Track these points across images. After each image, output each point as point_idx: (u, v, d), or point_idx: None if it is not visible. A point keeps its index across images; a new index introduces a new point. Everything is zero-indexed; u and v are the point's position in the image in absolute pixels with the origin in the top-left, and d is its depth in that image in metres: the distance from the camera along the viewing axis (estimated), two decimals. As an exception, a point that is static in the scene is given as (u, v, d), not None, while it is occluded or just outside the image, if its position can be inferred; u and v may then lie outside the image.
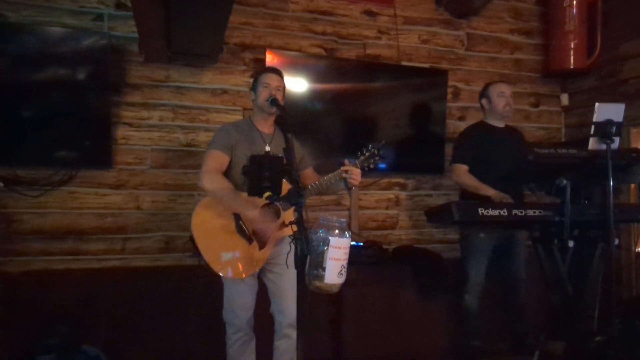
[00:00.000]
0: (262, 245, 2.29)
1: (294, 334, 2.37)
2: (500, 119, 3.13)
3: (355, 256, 3.24)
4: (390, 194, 3.82)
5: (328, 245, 1.87)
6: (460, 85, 4.02)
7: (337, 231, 1.89)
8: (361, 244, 3.41)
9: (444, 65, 3.96)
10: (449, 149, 3.87)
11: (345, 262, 1.92)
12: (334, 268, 1.88)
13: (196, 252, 2.28)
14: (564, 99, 4.24)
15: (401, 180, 3.85)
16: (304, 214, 1.94)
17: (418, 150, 3.80)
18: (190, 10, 2.36)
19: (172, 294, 2.97)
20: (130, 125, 3.23)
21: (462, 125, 3.97)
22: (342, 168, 2.35)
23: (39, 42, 2.97)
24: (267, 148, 2.41)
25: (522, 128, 3.38)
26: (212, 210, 2.27)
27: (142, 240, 3.23)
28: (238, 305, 2.36)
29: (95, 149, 3.10)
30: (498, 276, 3.15)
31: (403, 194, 3.85)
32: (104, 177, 3.17)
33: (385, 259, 3.42)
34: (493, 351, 3.13)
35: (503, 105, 3.08)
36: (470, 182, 3.03)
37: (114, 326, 2.83)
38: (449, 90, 3.92)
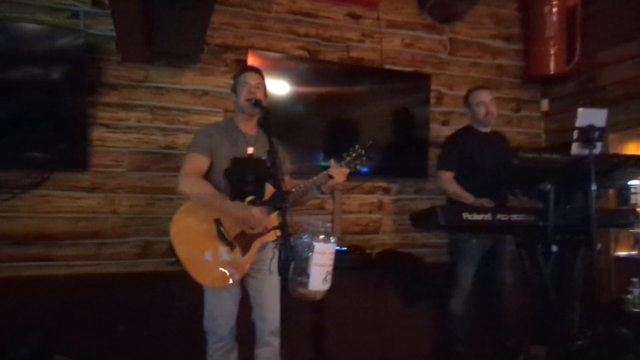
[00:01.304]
0: (245, 250, 2.22)
1: (275, 341, 2.31)
2: (485, 125, 3.14)
3: (338, 261, 3.21)
4: (374, 198, 3.79)
5: (313, 251, 1.83)
6: (443, 89, 4.02)
7: (322, 236, 1.86)
8: (344, 248, 3.36)
9: (427, 69, 3.96)
10: (432, 153, 3.88)
11: (330, 268, 1.88)
12: (319, 274, 1.83)
13: (176, 260, 2.20)
14: (544, 104, 4.29)
15: (384, 185, 3.82)
16: (287, 218, 1.87)
17: (401, 154, 3.78)
18: (171, 9, 2.29)
19: (150, 301, 2.85)
20: (107, 126, 3.12)
21: (446, 130, 3.98)
22: (328, 171, 2.30)
23: (10, 39, 2.85)
24: (250, 150, 2.34)
25: (503, 133, 3.39)
26: (192, 217, 2.19)
27: (118, 246, 3.12)
28: (220, 314, 2.28)
29: (69, 150, 3.00)
30: (484, 281, 3.13)
31: (386, 198, 3.83)
32: (78, 180, 3.06)
33: (368, 264, 3.38)
34: (475, 356, 3.11)
35: (483, 114, 3.08)
36: (453, 189, 3.03)
37: (88, 335, 2.70)
38: (432, 94, 3.92)
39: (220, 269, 2.18)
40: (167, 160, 3.21)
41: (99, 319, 2.77)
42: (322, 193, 2.39)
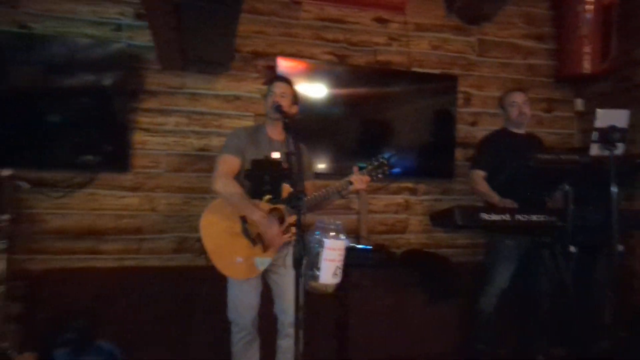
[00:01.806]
0: (265, 248, 2.37)
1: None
2: (518, 126, 3.15)
3: (363, 259, 3.34)
4: (400, 199, 3.86)
5: (323, 247, 1.95)
6: (472, 90, 4.03)
7: (332, 233, 1.97)
8: (370, 247, 3.46)
9: (455, 71, 3.98)
10: (459, 153, 3.91)
11: (340, 264, 1.99)
12: (329, 269, 1.95)
13: (203, 253, 2.38)
14: (578, 104, 4.20)
15: (410, 185, 3.88)
16: (302, 217, 2.00)
17: (428, 156, 3.84)
18: (200, 22, 2.48)
19: (184, 293, 3.08)
20: (147, 130, 3.37)
21: (474, 131, 4.01)
22: (349, 177, 2.40)
23: (62, 52, 3.13)
24: (275, 154, 2.48)
25: (538, 135, 3.37)
26: (219, 213, 2.37)
27: (156, 241, 3.37)
28: (242, 305, 2.45)
29: (114, 153, 3.25)
30: (520, 283, 3.10)
31: (413, 199, 3.89)
32: (121, 180, 3.32)
33: (392, 263, 3.45)
34: (497, 355, 3.11)
35: (516, 115, 3.12)
36: (481, 188, 3.08)
37: (128, 323, 2.96)
38: (460, 95, 3.94)
39: (242, 263, 2.33)
40: (201, 161, 3.42)
41: (139, 307, 3.01)
42: (343, 197, 2.49)
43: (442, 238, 3.93)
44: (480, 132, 3.95)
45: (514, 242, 2.99)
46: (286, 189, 2.20)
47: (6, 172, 2.98)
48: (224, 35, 2.68)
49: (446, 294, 3.36)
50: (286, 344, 2.42)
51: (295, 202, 2.03)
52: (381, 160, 2.43)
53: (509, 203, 2.86)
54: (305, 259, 1.93)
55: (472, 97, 4.03)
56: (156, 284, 3.11)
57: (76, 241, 3.22)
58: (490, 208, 2.71)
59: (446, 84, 3.88)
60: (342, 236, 1.99)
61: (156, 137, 3.38)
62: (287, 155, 2.12)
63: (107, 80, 3.20)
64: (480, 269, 3.21)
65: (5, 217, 2.45)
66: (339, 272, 1.98)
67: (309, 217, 2.35)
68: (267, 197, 2.15)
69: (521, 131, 3.18)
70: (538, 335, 3.06)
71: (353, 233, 3.69)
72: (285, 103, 2.46)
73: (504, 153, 3.04)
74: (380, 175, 2.45)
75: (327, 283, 1.96)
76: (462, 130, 3.97)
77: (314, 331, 3.16)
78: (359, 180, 2.37)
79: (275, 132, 2.54)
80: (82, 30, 3.27)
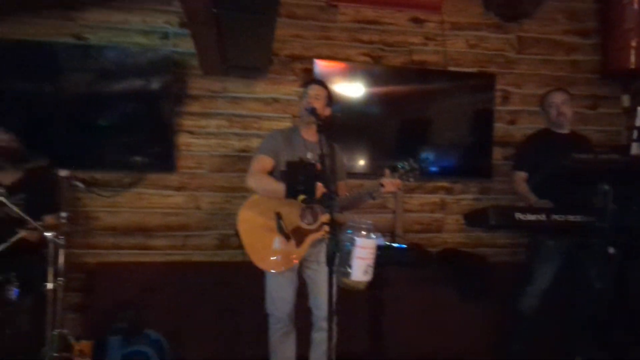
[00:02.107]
0: (299, 243, 2.48)
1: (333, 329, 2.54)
2: (559, 126, 3.11)
3: (398, 258, 3.39)
4: (436, 198, 3.87)
5: (355, 245, 2.02)
6: (510, 88, 3.98)
7: (364, 232, 2.04)
8: (404, 246, 3.50)
9: (492, 69, 3.94)
10: (497, 152, 3.88)
11: (371, 262, 2.05)
12: (360, 267, 2.02)
13: (241, 247, 2.51)
14: (625, 100, 4.06)
15: (447, 185, 3.88)
16: (335, 215, 2.09)
17: (465, 155, 3.84)
18: (239, 31, 2.60)
19: (226, 287, 3.23)
20: (191, 133, 3.55)
21: (513, 129, 3.96)
22: (380, 180, 2.46)
23: (113, 60, 3.37)
24: (309, 155, 2.58)
25: (584, 134, 3.28)
26: (254, 210, 2.49)
27: (200, 238, 3.55)
28: (278, 298, 2.56)
29: (161, 154, 3.45)
30: (561, 285, 3.05)
31: (449, 198, 3.89)
32: (168, 180, 3.52)
33: (428, 261, 3.48)
34: (532, 356, 3.08)
35: (554, 116, 3.09)
36: (520, 189, 3.08)
37: (174, 314, 3.15)
38: (498, 94, 3.90)
39: (276, 256, 2.45)
40: (242, 162, 3.56)
41: (184, 300, 3.19)
42: (374, 199, 2.55)
43: (480, 238, 3.91)
44: (519, 130, 3.91)
45: (555, 243, 2.95)
46: (320, 189, 2.29)
47: (64, 173, 3.22)
48: (262, 42, 2.80)
49: (481, 293, 3.35)
50: (320, 337, 2.52)
51: (328, 201, 2.12)
52: (413, 164, 2.48)
53: (546, 204, 2.82)
54: (338, 256, 2.02)
55: (511, 95, 3.97)
56: (200, 278, 3.28)
57: (126, 237, 3.45)
58: (526, 208, 2.69)
59: (484, 82, 3.86)
60: (374, 235, 2.06)
61: (199, 139, 3.56)
62: (320, 156, 2.21)
63: (154, 86, 3.40)
64: (519, 269, 3.18)
65: (64, 214, 2.66)
66: (370, 270, 2.05)
67: (342, 216, 2.45)
68: (302, 197, 2.25)
69: (564, 131, 3.12)
70: (577, 338, 3.00)
71: (388, 232, 3.74)
72: (318, 105, 2.54)
73: (546, 153, 2.99)
74: (411, 179, 2.50)
75: (359, 280, 2.03)
76: (500, 129, 3.93)
77: (349, 327, 3.22)
78: (389, 183, 2.44)
79: (310, 133, 2.64)
80: (133, 39, 3.48)
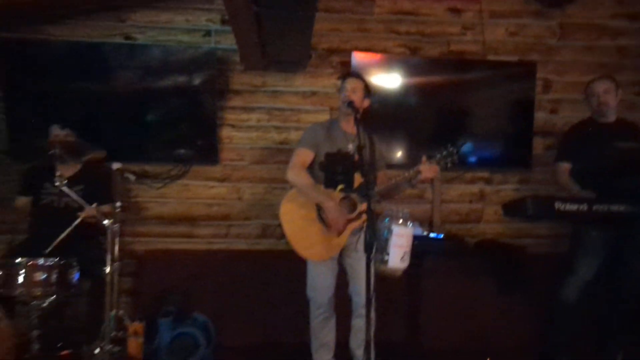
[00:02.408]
0: (338, 233, 2.56)
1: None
2: (602, 116, 3.02)
3: (434, 247, 3.42)
4: (475, 188, 3.86)
5: (392, 234, 2.09)
6: (552, 77, 3.90)
7: (400, 221, 2.11)
8: (441, 236, 3.52)
9: (533, 57, 3.87)
10: (538, 142, 3.82)
11: (407, 249, 2.12)
12: (397, 254, 2.09)
13: (284, 237, 2.62)
14: (676, 86, 3.90)
15: (486, 175, 3.86)
16: (373, 205, 2.15)
17: (504, 145, 3.81)
18: (279, 27, 2.70)
19: (267, 273, 3.37)
20: (233, 126, 3.69)
21: (554, 119, 3.89)
22: (418, 167, 2.49)
23: (160, 58, 3.54)
24: (350, 147, 2.65)
25: (633, 122, 3.14)
26: (296, 202, 2.59)
27: (242, 227, 3.70)
28: (319, 285, 2.66)
29: (205, 147, 3.61)
30: (610, 277, 3.01)
31: (488, 188, 3.87)
32: (211, 172, 3.67)
33: (465, 252, 3.48)
34: (575, 349, 3.04)
35: (596, 105, 3.01)
36: (562, 181, 3.03)
37: (218, 299, 3.31)
38: (539, 82, 3.84)
39: (317, 246, 2.54)
40: (281, 154, 3.67)
41: (228, 285, 3.35)
42: (413, 186, 2.59)
43: (520, 228, 3.87)
44: (561, 119, 3.84)
45: (598, 234, 2.88)
46: (358, 179, 2.36)
47: (116, 166, 3.43)
48: (301, 37, 2.89)
49: (520, 284, 3.33)
50: (359, 323, 2.60)
51: (365, 191, 2.19)
52: (450, 149, 2.49)
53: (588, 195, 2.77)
54: (375, 244, 2.09)
55: (552, 83, 3.89)
56: (243, 265, 3.43)
57: (173, 226, 3.64)
58: (567, 198, 2.66)
59: (524, 71, 3.79)
60: (410, 224, 2.12)
61: (241, 132, 3.69)
62: (357, 148, 2.27)
63: (198, 82, 3.54)
64: (560, 260, 3.13)
65: (118, 204, 2.85)
66: (407, 257, 2.11)
67: (379, 206, 2.52)
68: (340, 186, 2.33)
69: (609, 120, 3.02)
70: (619, 331, 2.96)
71: (426, 222, 3.76)
72: (356, 98, 2.60)
73: (589, 144, 2.94)
74: (449, 164, 2.51)
75: (396, 267, 2.10)
76: (541, 118, 3.86)
77: (388, 315, 3.31)
78: (427, 169, 2.46)
79: (349, 125, 2.69)
80: (178, 37, 3.64)
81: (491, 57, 3.85)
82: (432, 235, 3.51)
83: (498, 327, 3.31)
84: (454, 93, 3.75)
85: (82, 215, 2.73)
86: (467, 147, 2.48)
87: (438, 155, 2.50)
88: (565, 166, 3.03)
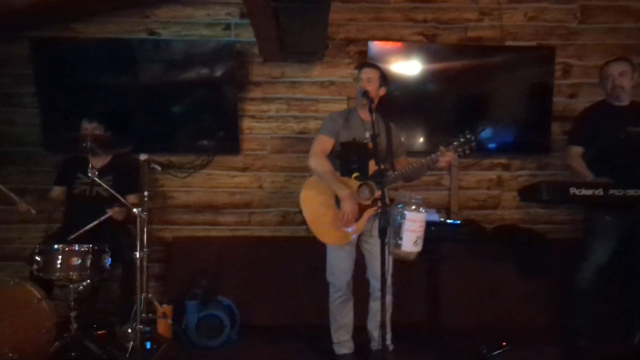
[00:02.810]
0: (357, 218, 2.64)
1: (387, 297, 2.70)
2: (616, 99, 2.99)
3: (452, 233, 3.47)
4: (492, 175, 3.88)
5: (405, 219, 2.17)
6: (571, 61, 3.87)
7: (413, 207, 2.18)
8: (458, 222, 3.56)
9: (553, 41, 3.84)
10: (556, 127, 3.81)
11: (420, 234, 2.19)
12: (410, 238, 2.16)
13: (304, 223, 2.73)
14: (702, 68, 3.80)
15: (504, 161, 3.88)
16: (386, 191, 2.24)
17: (523, 130, 3.80)
18: (296, 19, 2.78)
19: (288, 259, 3.49)
20: (253, 117, 3.80)
21: (574, 103, 3.86)
22: (436, 154, 2.54)
23: (183, 52, 3.65)
24: (366, 134, 2.71)
25: None
26: (315, 189, 2.70)
27: (264, 215, 3.83)
28: (338, 269, 2.76)
29: (227, 138, 3.73)
30: (623, 261, 3.03)
31: (506, 174, 3.88)
32: (233, 162, 3.81)
33: (483, 237, 3.52)
34: (595, 332, 3.07)
35: (610, 88, 2.98)
36: (575, 165, 3.01)
37: (242, 283, 3.45)
38: (558, 67, 3.81)
39: (336, 231, 2.64)
40: (301, 143, 3.77)
41: (251, 270, 3.49)
42: (432, 170, 2.66)
43: (538, 214, 3.88)
44: (581, 104, 3.78)
45: (613, 219, 2.88)
46: (372, 166, 2.44)
47: (143, 157, 3.58)
48: (317, 28, 2.96)
49: (537, 269, 3.37)
50: (376, 306, 2.68)
51: (379, 178, 2.27)
52: (468, 136, 2.51)
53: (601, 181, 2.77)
54: (390, 229, 2.17)
55: (572, 67, 3.86)
56: (264, 251, 3.56)
57: (198, 214, 3.80)
58: (582, 183, 2.68)
59: (542, 55, 3.77)
60: (422, 209, 2.18)
61: (261, 122, 3.80)
62: (371, 136, 2.35)
63: (219, 74, 3.65)
64: (578, 245, 3.15)
65: (146, 193, 3.00)
66: (420, 241, 2.19)
67: (393, 192, 2.59)
68: (355, 174, 2.41)
69: (623, 103, 2.99)
70: (636, 314, 2.98)
71: (444, 208, 3.82)
72: (371, 88, 2.67)
73: (602, 127, 2.92)
74: (467, 151, 2.54)
75: (409, 251, 2.18)
76: (561, 103, 3.84)
77: (407, 298, 3.40)
78: (443, 157, 2.52)
79: (366, 114, 2.75)
80: (199, 31, 3.76)
81: (509, 43, 3.83)
82: (449, 221, 3.56)
83: (517, 310, 3.38)
84: (472, 79, 3.76)
85: (109, 212, 2.90)
86: (485, 133, 2.50)
87: (455, 143, 2.53)
88: (577, 150, 3.01)
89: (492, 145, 3.80)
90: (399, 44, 3.76)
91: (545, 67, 3.75)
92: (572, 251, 3.17)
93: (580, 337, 3.01)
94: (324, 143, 2.73)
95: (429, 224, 3.40)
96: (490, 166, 3.88)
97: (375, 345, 2.77)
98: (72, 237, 2.85)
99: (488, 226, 3.76)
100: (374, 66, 2.82)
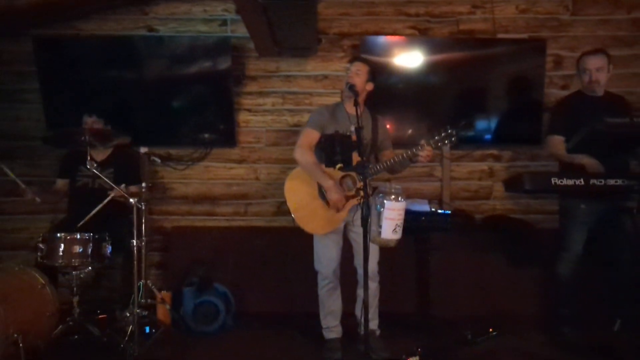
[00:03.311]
0: (337, 210, 2.74)
1: (372, 284, 2.82)
2: (592, 91, 3.03)
3: (442, 223, 3.54)
4: (484, 166, 3.95)
5: (384, 208, 2.26)
6: (563, 52, 3.90)
7: (393, 196, 2.27)
8: (449, 212, 3.63)
9: (544, 33, 3.88)
10: (546, 119, 3.84)
11: (400, 222, 2.28)
12: (389, 226, 2.26)
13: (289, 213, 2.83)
14: (692, 58, 3.83)
15: (495, 152, 3.94)
16: (368, 182, 2.33)
17: (514, 122, 3.85)
18: (284, 15, 2.86)
19: (283, 248, 3.60)
20: (249, 110, 3.91)
21: (565, 94, 3.89)
22: (416, 148, 2.64)
23: (180, 48, 3.76)
24: (352, 128, 2.80)
25: (620, 95, 3.19)
26: (299, 180, 2.80)
27: (260, 205, 3.94)
28: (325, 257, 2.86)
29: (224, 131, 3.84)
30: (599, 248, 3.08)
31: (498, 165, 3.94)
32: (230, 154, 3.92)
33: (473, 227, 3.60)
34: (579, 320, 3.14)
35: (586, 82, 3.01)
36: (557, 152, 3.06)
37: (238, 271, 3.58)
38: (550, 59, 3.86)
39: (319, 221, 2.75)
40: (295, 136, 3.77)
41: (246, 259, 3.61)
42: (414, 162, 2.74)
43: (530, 204, 3.94)
44: (571, 95, 3.84)
45: (587, 207, 2.94)
46: (356, 158, 2.53)
47: (143, 149, 3.73)
48: (307, 24, 3.04)
49: (526, 259, 3.44)
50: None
51: (361, 169, 2.36)
52: (449, 131, 2.62)
53: (595, 164, 2.82)
54: (371, 217, 2.27)
55: (564, 59, 3.90)
56: (260, 240, 3.68)
57: (196, 205, 3.92)
58: (563, 173, 2.75)
59: (533, 47, 3.82)
60: (402, 199, 2.27)
61: (257, 116, 3.91)
62: (356, 129, 2.43)
63: (216, 69, 3.75)
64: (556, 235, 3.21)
65: (144, 184, 3.13)
66: (399, 229, 2.27)
67: (376, 183, 2.69)
68: (339, 165, 2.50)
69: (598, 94, 3.03)
70: (617, 300, 3.04)
71: (436, 199, 3.89)
72: (358, 81, 2.76)
73: (579, 117, 2.96)
74: (447, 145, 2.68)
75: (389, 238, 2.27)
76: (553, 94, 3.88)
77: (397, 287, 3.50)
78: (423, 149, 2.62)
79: (352, 107, 2.84)
80: (196, 27, 3.87)
81: (501, 35, 3.88)
82: (439, 212, 3.63)
83: (505, 299, 3.44)
84: (463, 72, 3.81)
85: (111, 194, 3.01)
86: (469, 125, 2.59)
87: (436, 137, 2.64)
88: (558, 139, 3.05)
89: (484, 137, 3.86)
90: (392, 37, 3.83)
91: (536, 59, 3.80)
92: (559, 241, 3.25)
93: (564, 324, 3.08)
94: (310, 136, 2.82)
95: (419, 214, 3.55)
96: (482, 157, 3.95)
97: (360, 328, 2.87)
98: (81, 223, 2.98)
99: (479, 216, 3.83)
100: (364, 61, 2.91)
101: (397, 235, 2.29)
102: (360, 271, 2.86)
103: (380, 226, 2.27)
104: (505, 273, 3.48)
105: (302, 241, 3.08)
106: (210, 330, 3.19)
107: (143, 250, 3.03)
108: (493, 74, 3.82)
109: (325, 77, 3.90)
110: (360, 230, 2.73)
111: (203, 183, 3.92)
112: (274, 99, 3.91)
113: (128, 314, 2.94)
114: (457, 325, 3.18)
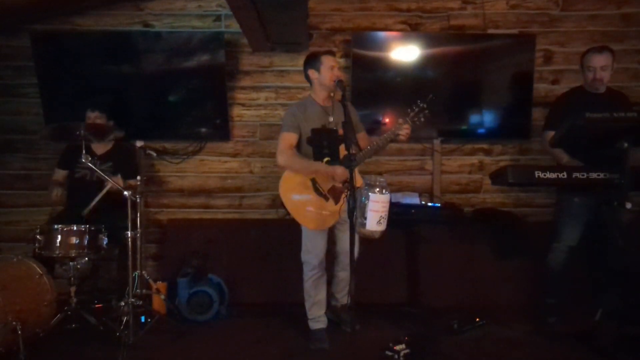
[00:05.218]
0: (337, 200, 2.81)
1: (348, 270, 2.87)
2: (594, 89, 3.07)
3: (431, 216, 3.63)
4: (474, 159, 4.01)
5: (369, 200, 2.33)
6: (553, 48, 3.96)
7: (377, 189, 2.34)
8: (438, 205, 3.71)
9: (534, 29, 3.93)
10: (538, 113, 3.91)
11: (384, 214, 2.35)
12: (374, 218, 2.33)
13: (283, 207, 2.90)
14: (680, 53, 3.87)
15: (485, 146, 4.00)
16: (354, 174, 2.40)
17: (503, 116, 3.91)
18: (274, 11, 2.92)
19: (276, 240, 3.67)
20: (243, 105, 3.97)
21: (556, 89, 3.96)
22: (395, 128, 2.74)
23: (175, 43, 3.82)
24: (330, 119, 2.88)
25: (630, 88, 3.20)
26: (290, 183, 2.85)
27: (254, 198, 4.02)
28: (314, 248, 2.91)
29: (218, 125, 3.91)
30: (591, 241, 3.13)
31: (488, 159, 4.01)
32: (225, 148, 3.99)
33: (461, 220, 3.67)
34: (565, 310, 3.21)
35: (591, 79, 3.04)
36: (552, 149, 3.09)
37: (232, 262, 3.66)
38: (540, 54, 3.90)
39: (319, 217, 2.80)
40: (289, 130, 3.93)
41: (240, 251, 3.69)
42: (395, 141, 2.84)
43: (519, 197, 4.01)
44: (563, 90, 3.84)
45: (581, 200, 3.00)
46: (342, 151, 2.59)
47: (139, 143, 3.81)
48: (297, 20, 3.10)
49: (515, 251, 3.51)
50: (342, 275, 3.00)
51: (348, 162, 2.43)
52: (420, 105, 2.75)
53: (575, 164, 2.90)
54: (357, 209, 2.34)
55: (554, 54, 3.95)
56: (254, 232, 3.76)
57: (191, 198, 4.00)
58: (547, 167, 2.81)
59: (523, 43, 3.86)
60: (386, 191, 2.34)
61: (251, 110, 3.98)
62: (343, 123, 2.50)
63: (211, 64, 3.80)
64: (550, 226, 3.28)
65: (139, 178, 3.20)
66: (383, 221, 2.35)
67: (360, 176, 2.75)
68: (326, 159, 2.57)
69: (600, 91, 3.07)
70: (604, 290, 3.11)
71: (427, 192, 3.96)
72: (339, 74, 2.87)
73: (578, 113, 3.01)
74: (422, 119, 2.78)
75: (373, 230, 2.34)
76: (543, 89, 3.95)
77: (388, 278, 3.58)
78: (402, 128, 2.73)
79: (323, 99, 2.93)
80: (191, 23, 3.93)
81: (491, 31, 3.93)
82: (429, 204, 3.71)
83: (493, 290, 3.52)
84: (454, 67, 3.85)
85: (108, 184, 3.08)
86: (432, 99, 2.70)
87: (411, 113, 2.76)
88: (552, 134, 3.10)
89: (478, 131, 3.92)
90: (383, 32, 3.88)
91: (526, 54, 3.85)
92: (548, 233, 3.31)
93: (550, 314, 3.15)
94: (288, 139, 2.86)
95: (410, 207, 3.61)
96: (472, 151, 4.01)
97: (334, 302, 3.11)
98: (85, 211, 3.07)
99: (469, 209, 3.90)
100: (334, 53, 2.99)
101: (382, 227, 2.36)
102: (341, 258, 3.02)
103: (365, 218, 2.34)
104: (492, 265, 3.56)
105: (294, 233, 3.15)
106: (204, 320, 3.28)
107: (138, 242, 3.11)
108: (483, 69, 3.87)
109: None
110: (343, 220, 2.84)
111: (198, 176, 4.00)
112: (267, 94, 3.97)
113: (123, 304, 3.02)
114: (444, 315, 3.25)
